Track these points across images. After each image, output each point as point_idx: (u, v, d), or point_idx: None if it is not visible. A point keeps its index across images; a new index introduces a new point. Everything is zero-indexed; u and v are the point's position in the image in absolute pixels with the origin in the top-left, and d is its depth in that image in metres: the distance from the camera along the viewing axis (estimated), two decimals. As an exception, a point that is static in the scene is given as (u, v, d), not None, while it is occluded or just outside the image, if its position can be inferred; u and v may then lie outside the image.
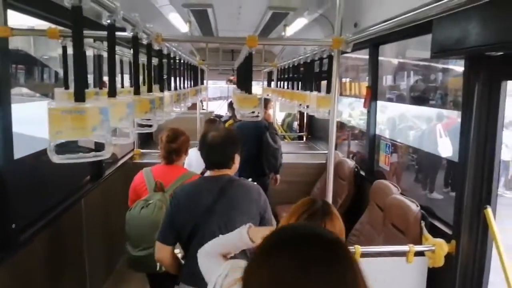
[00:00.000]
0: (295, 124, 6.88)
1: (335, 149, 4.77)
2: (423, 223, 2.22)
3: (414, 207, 2.26)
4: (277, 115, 6.72)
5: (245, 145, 2.00)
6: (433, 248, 2.05)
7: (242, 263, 0.86)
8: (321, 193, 4.09)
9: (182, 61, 2.88)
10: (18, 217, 1.94)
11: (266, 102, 6.72)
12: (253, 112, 1.95)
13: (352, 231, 2.97)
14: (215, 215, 1.65)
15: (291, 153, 4.86)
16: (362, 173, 3.53)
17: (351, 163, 3.60)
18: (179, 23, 3.99)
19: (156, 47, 1.79)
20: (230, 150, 1.76)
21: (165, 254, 1.71)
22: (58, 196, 2.56)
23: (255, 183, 1.86)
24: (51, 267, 2.28)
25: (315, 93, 2.22)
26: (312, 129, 6.20)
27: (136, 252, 2.02)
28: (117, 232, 3.74)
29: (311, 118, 6.24)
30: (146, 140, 5.18)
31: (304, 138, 6.31)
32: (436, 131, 5.97)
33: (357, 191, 3.50)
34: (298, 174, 4.41)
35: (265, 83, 6.42)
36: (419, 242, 2.17)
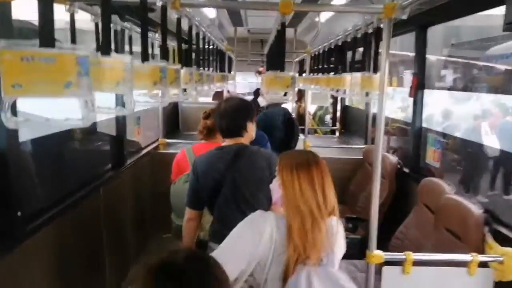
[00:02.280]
0: (328, 118, 6.51)
1: (371, 143, 4.42)
2: (486, 229, 1.87)
3: (476, 209, 1.91)
4: (308, 107, 6.38)
5: (274, 132, 1.91)
6: (501, 258, 1.71)
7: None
8: (357, 190, 3.75)
9: (207, 40, 2.62)
10: (27, 204, 1.77)
11: (300, 94, 6.44)
12: (284, 95, 1.67)
13: (396, 234, 2.63)
14: (228, 181, 1.75)
15: (324, 147, 4.52)
16: (406, 170, 3.17)
17: (393, 158, 3.24)
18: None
19: (174, 15, 1.53)
20: (241, 117, 1.82)
21: (191, 217, 1.87)
22: (75, 183, 2.39)
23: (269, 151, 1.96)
24: (65, 258, 2.09)
25: (358, 73, 1.90)
26: (346, 123, 5.83)
27: (180, 222, 2.11)
28: (141, 220, 3.60)
29: (345, 111, 5.87)
30: (172, 130, 5.01)
31: (337, 133, 5.94)
32: (481, 129, 5.49)
33: (399, 191, 3.14)
34: (332, 170, 4.06)
35: (296, 75, 6.11)
36: (481, 250, 1.83)
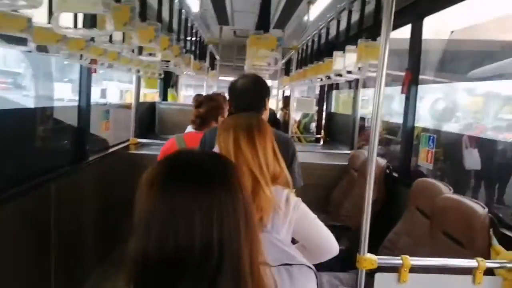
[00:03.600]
0: (313, 126, 6.31)
1: (359, 147, 4.21)
2: (491, 231, 1.63)
3: (480, 209, 1.67)
4: (293, 114, 6.16)
5: None
6: (510, 265, 1.46)
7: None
8: (341, 197, 3.50)
9: (189, 24, 2.38)
10: None
11: (286, 101, 6.21)
12: (268, 64, 1.43)
13: (384, 243, 2.37)
14: None
15: (308, 151, 4.29)
16: (395, 174, 2.94)
17: (381, 161, 3.00)
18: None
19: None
20: (261, 93, 1.73)
21: None
22: (18, 174, 2.05)
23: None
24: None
25: (353, 47, 1.67)
26: (330, 131, 5.62)
27: None
28: (102, 226, 3.22)
29: (329, 119, 5.68)
30: (148, 132, 4.69)
31: (321, 141, 5.72)
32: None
33: (388, 197, 2.90)
34: (315, 177, 3.81)
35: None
36: (486, 256, 1.58)
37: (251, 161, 1.14)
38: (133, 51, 1.74)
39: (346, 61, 1.75)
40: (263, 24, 1.43)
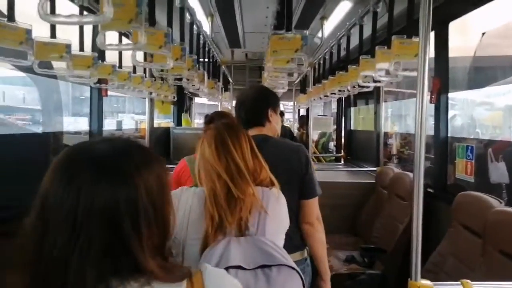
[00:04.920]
0: (331, 145, 6.09)
1: (383, 164, 3.98)
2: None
3: (546, 223, 1.44)
4: (311, 134, 5.99)
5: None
6: None
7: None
8: (371, 218, 3.25)
9: (201, 41, 2.28)
10: None
11: (302, 121, 6.04)
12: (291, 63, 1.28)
13: (427, 266, 2.11)
14: None
15: (331, 170, 4.08)
16: (430, 190, 2.70)
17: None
18: (200, 15, 3.43)
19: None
20: (261, 104, 1.62)
21: None
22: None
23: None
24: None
25: (382, 47, 1.50)
26: (351, 150, 5.40)
27: None
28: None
29: (349, 137, 5.47)
30: (162, 156, 4.57)
31: (342, 160, 5.50)
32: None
33: (425, 215, 2.65)
34: (340, 196, 3.59)
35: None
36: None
37: (222, 167, 1.10)
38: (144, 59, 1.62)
39: (376, 64, 1.58)
40: (282, 22, 1.29)
